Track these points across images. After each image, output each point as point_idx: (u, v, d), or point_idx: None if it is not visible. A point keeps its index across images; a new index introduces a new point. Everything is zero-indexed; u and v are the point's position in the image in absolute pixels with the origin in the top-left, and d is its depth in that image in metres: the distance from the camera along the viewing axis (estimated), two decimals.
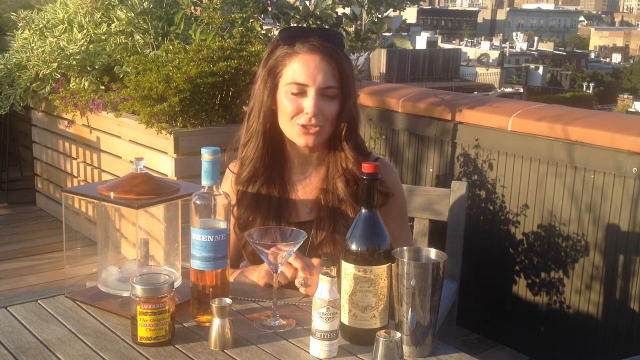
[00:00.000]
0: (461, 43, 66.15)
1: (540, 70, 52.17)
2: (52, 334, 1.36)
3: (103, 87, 3.78)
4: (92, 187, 1.55)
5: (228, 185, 1.78)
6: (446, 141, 3.33)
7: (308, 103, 1.62)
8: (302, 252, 1.59)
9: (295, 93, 1.63)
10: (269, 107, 1.68)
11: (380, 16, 3.22)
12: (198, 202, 1.38)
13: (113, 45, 3.82)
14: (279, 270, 1.41)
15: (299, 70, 1.63)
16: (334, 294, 1.28)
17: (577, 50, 74.10)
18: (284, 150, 1.74)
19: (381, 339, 1.17)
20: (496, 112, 3.15)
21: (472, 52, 57.78)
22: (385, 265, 1.31)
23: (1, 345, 1.31)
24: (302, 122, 1.63)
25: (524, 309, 3.11)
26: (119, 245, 1.77)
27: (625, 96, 44.56)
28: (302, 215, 1.72)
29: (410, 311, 1.28)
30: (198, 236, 1.38)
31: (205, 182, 1.39)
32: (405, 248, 1.33)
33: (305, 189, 1.74)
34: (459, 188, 2.17)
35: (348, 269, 1.31)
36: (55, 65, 3.83)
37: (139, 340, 1.32)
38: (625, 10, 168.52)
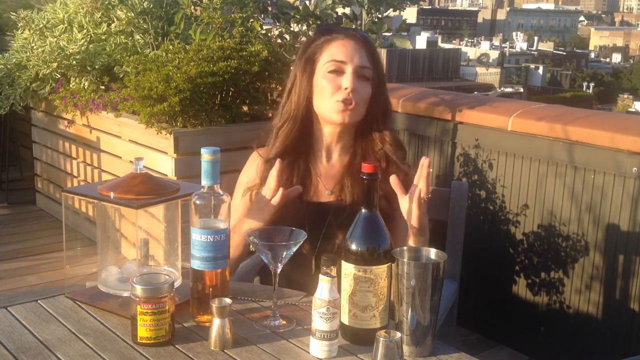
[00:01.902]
0: (461, 43, 66.16)
1: (540, 70, 52.18)
2: (52, 334, 1.36)
3: (103, 87, 3.77)
4: (92, 187, 1.55)
5: (253, 167, 1.86)
6: (446, 141, 3.33)
7: (346, 79, 1.73)
8: (318, 231, 1.70)
9: (333, 71, 1.74)
10: (307, 93, 1.78)
11: (380, 16, 3.22)
12: (198, 202, 1.38)
13: (113, 45, 3.82)
14: (279, 270, 1.41)
15: (337, 50, 1.75)
16: (334, 293, 1.28)
17: (577, 50, 74.12)
18: (311, 139, 1.83)
19: (381, 339, 1.17)
20: (496, 112, 3.15)
21: (472, 52, 57.78)
22: (385, 265, 1.31)
23: (1, 345, 1.31)
24: (341, 97, 1.73)
25: (524, 309, 3.11)
26: (119, 245, 1.77)
27: (625, 96, 44.55)
28: (322, 196, 1.80)
29: (410, 311, 1.28)
30: (198, 236, 1.38)
31: (205, 182, 1.39)
32: (405, 248, 1.34)
33: (328, 173, 1.82)
34: (459, 188, 2.17)
35: (348, 269, 1.31)
36: (55, 65, 3.83)
37: (139, 340, 1.32)
38: (625, 10, 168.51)
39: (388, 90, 1.86)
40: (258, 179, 1.82)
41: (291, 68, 1.86)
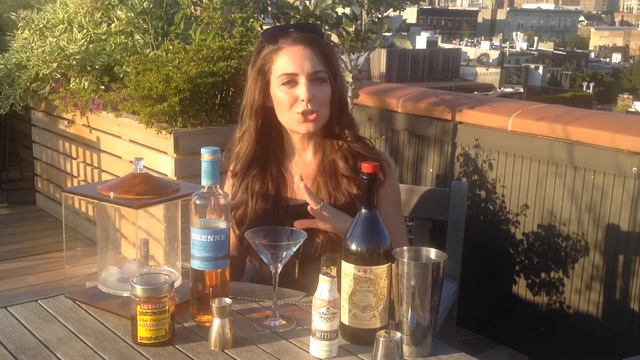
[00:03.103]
0: (461, 43, 66.16)
1: (540, 70, 52.20)
2: (52, 334, 1.36)
3: (103, 87, 3.77)
4: (92, 187, 1.55)
5: (229, 184, 1.86)
6: (446, 141, 3.33)
7: (301, 90, 1.71)
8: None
9: (287, 83, 1.72)
10: (261, 104, 1.78)
11: (380, 16, 3.22)
12: (198, 202, 1.38)
13: (113, 45, 3.82)
14: (279, 270, 1.41)
15: (287, 62, 1.72)
16: (334, 294, 1.28)
17: (577, 50, 74.13)
18: (281, 141, 1.82)
19: (381, 339, 1.17)
20: (496, 112, 3.15)
21: (472, 52, 57.81)
22: (385, 265, 1.31)
23: (1, 345, 1.31)
24: (300, 109, 1.72)
25: (524, 309, 3.11)
26: (119, 245, 1.77)
27: (625, 96, 44.55)
28: (299, 197, 1.78)
29: (410, 311, 1.28)
30: (198, 236, 1.38)
31: (205, 182, 1.39)
32: (405, 248, 1.33)
33: (304, 173, 1.80)
34: (459, 188, 2.17)
35: (348, 269, 1.31)
36: (55, 65, 3.83)
37: (139, 340, 1.32)
38: (625, 10, 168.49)
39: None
40: (229, 192, 1.81)
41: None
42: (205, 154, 1.39)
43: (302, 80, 1.71)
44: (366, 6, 3.13)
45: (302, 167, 1.82)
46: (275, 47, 1.74)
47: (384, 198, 1.79)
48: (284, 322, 1.41)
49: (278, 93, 1.74)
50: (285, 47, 1.73)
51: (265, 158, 1.81)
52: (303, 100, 1.70)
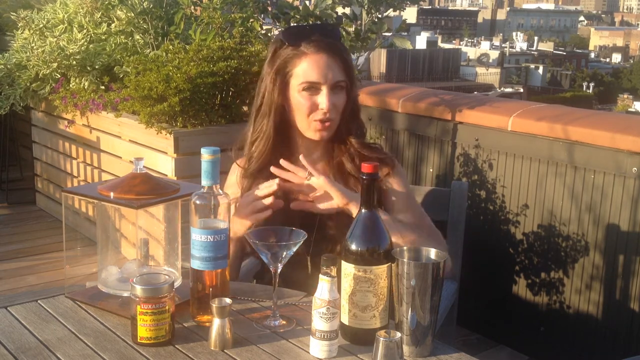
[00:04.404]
0: (461, 43, 66.17)
1: (540, 70, 52.23)
2: (52, 334, 1.36)
3: (103, 87, 3.77)
4: (92, 187, 1.55)
5: (234, 180, 1.84)
6: (446, 141, 3.33)
7: (322, 99, 1.72)
8: (310, 230, 1.66)
9: (308, 89, 1.73)
10: (280, 105, 1.77)
11: (380, 16, 3.22)
12: (198, 202, 1.38)
13: (113, 45, 3.82)
14: (279, 270, 1.41)
15: (310, 69, 1.72)
16: (334, 293, 1.28)
17: (577, 50, 74.15)
18: (292, 140, 1.83)
19: (381, 339, 1.17)
20: (496, 112, 3.15)
21: (472, 52, 57.83)
22: (385, 265, 1.31)
23: (1, 345, 1.31)
24: (319, 117, 1.73)
25: (524, 309, 3.11)
26: (119, 245, 1.77)
27: (625, 96, 44.57)
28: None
29: (410, 311, 1.28)
30: (198, 236, 1.38)
31: (205, 182, 1.39)
32: (405, 248, 1.34)
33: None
34: (459, 188, 2.17)
35: (348, 269, 1.31)
36: (55, 65, 3.83)
37: (139, 340, 1.32)
38: (625, 10, 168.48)
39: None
40: (239, 192, 1.80)
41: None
42: (205, 154, 1.39)
43: (324, 89, 1.72)
44: (366, 6, 3.13)
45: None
46: (297, 51, 1.73)
47: (392, 194, 1.81)
48: (284, 322, 1.41)
49: (298, 98, 1.74)
50: (308, 54, 1.72)
51: (278, 159, 1.79)
52: (322, 109, 1.72)
